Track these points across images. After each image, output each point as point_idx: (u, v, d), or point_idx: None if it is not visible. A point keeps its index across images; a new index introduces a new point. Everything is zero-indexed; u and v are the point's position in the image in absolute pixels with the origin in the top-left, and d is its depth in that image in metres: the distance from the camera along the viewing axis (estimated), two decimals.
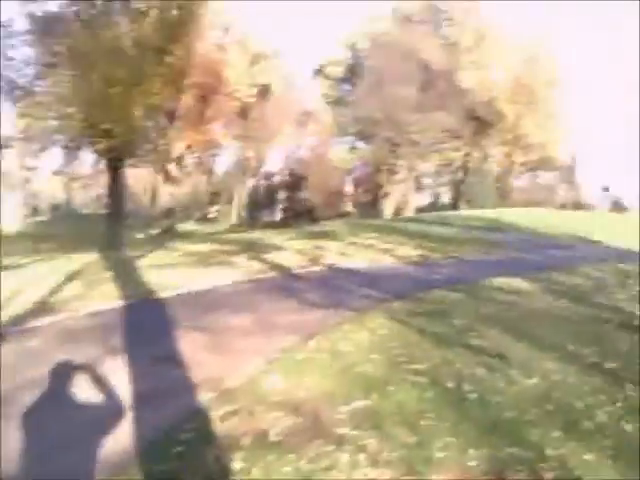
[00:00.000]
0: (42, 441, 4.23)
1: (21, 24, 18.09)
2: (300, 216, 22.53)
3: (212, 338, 6.93)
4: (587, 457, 4.37)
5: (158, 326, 7.58)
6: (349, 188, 60.91)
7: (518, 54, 48.20)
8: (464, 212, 39.55)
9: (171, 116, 35.21)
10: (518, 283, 11.58)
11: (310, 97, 52.89)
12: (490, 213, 35.56)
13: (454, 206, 51.21)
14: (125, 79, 15.57)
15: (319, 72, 56.56)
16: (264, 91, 44.18)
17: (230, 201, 50.80)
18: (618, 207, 75.11)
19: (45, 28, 17.21)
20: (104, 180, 22.12)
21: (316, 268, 12.40)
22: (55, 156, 45.96)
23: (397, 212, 52.91)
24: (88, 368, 5.39)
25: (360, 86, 47.62)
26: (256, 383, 5.47)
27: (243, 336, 7.07)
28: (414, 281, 11.24)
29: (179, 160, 46.14)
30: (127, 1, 16.64)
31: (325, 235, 17.78)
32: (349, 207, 57.20)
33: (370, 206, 56.95)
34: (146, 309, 8.65)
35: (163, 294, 9.40)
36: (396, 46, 45.04)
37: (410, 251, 15.88)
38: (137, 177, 41.17)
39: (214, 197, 54.00)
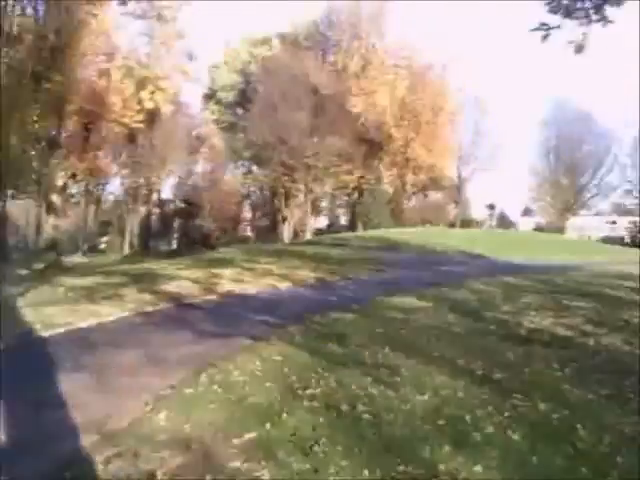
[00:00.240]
0: None
1: None
2: (196, 244, 22.05)
3: (96, 377, 6.58)
4: (476, 469, 4.50)
5: (39, 367, 7.13)
6: (246, 213, 60.73)
7: (404, 80, 50.20)
8: (360, 233, 40.46)
9: (53, 144, 33.69)
10: (410, 300, 11.91)
11: (201, 122, 52.44)
12: (384, 233, 36.55)
13: (351, 227, 52.24)
14: None
15: (210, 97, 56.18)
16: (152, 117, 43.30)
17: (121, 231, 49.17)
18: (504, 223, 79.51)
19: None
20: None
21: (211, 297, 12.16)
22: None
23: (296, 235, 53.25)
24: None
25: (253, 111, 47.74)
26: (142, 422, 5.25)
27: (130, 374, 6.76)
28: (311, 304, 11.28)
29: (63, 190, 44.24)
30: None
31: (221, 262, 17.54)
32: (247, 232, 57.00)
33: (269, 231, 56.99)
34: (26, 350, 8.12)
35: (45, 333, 8.87)
36: (286, 71, 45.71)
37: (308, 274, 15.98)
38: (20, 209, 38.99)
39: (104, 227, 52.13)
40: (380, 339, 8.24)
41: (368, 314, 10.27)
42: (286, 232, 53.40)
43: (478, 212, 78.31)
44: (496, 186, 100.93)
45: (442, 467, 4.48)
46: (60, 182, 41.96)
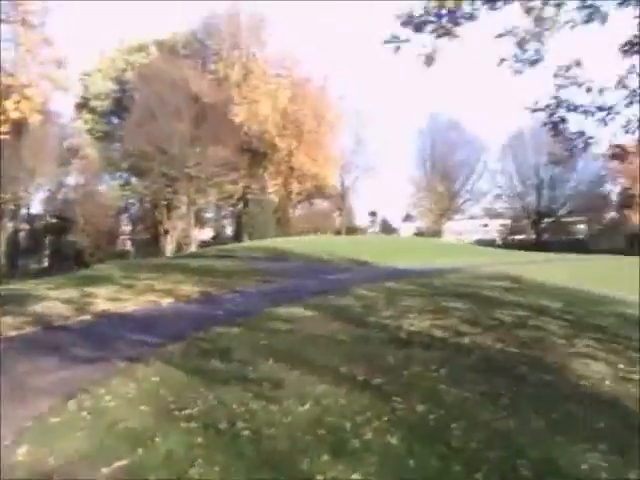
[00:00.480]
0: None
1: None
2: (69, 261, 20.79)
3: None
4: (354, 477, 4.52)
5: None
6: (125, 227, 58.55)
7: (286, 90, 50.60)
8: (246, 243, 40.19)
9: None
10: (296, 310, 11.90)
11: (74, 132, 49.92)
12: (271, 242, 36.56)
13: (237, 238, 51.80)
14: None
15: (83, 106, 53.59)
16: (19, 127, 40.53)
17: None
18: (387, 229, 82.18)
19: None
20: None
21: (84, 317, 11.47)
22: None
23: (179, 249, 52.02)
24: None
25: (129, 120, 46.14)
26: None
27: None
28: (194, 320, 10.94)
29: None
30: None
31: (96, 280, 16.65)
32: (127, 246, 54.97)
33: (150, 244, 55.26)
34: None
35: None
36: (164, 79, 44.64)
37: (192, 288, 15.56)
38: None
39: None
40: (264, 352, 8.14)
41: (253, 327, 10.13)
42: (169, 245, 52.03)
43: (362, 219, 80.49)
44: (379, 194, 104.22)
45: (320, 477, 4.47)
46: None
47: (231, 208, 58.95)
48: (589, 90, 6.88)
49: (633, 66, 6.88)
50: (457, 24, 5.95)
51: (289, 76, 52.35)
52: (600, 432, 5.68)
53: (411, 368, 7.58)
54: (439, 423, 5.73)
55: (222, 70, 49.92)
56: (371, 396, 6.40)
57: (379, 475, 4.58)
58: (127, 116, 47.55)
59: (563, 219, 73.63)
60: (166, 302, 13.51)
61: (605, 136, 7.31)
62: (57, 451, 4.92)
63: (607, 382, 7.43)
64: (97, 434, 5.31)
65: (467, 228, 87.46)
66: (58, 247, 33.21)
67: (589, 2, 6.28)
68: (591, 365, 8.19)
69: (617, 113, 6.93)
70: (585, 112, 6.92)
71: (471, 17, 5.97)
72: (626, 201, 65.26)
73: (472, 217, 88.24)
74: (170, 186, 47.44)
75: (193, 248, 48.00)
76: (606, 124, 6.97)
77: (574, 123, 7.42)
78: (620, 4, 6.31)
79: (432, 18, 5.88)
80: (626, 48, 6.82)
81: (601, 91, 6.88)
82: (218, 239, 63.00)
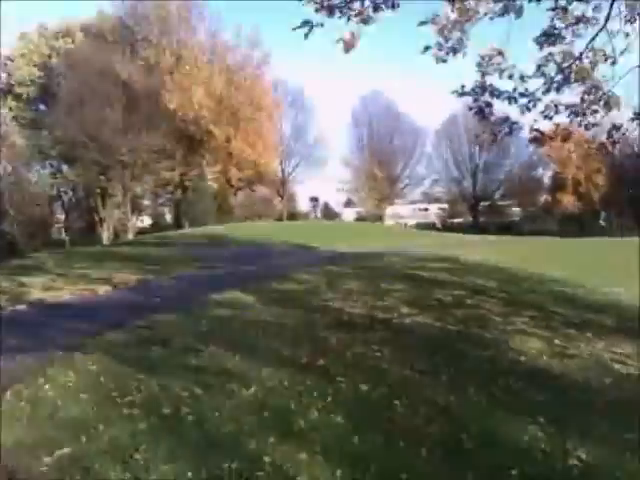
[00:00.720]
0: None
1: None
2: (1, 251, 20.02)
3: None
4: (300, 456, 4.54)
5: None
6: (60, 215, 56.68)
7: (220, 76, 49.79)
8: (186, 231, 39.63)
9: None
10: (237, 296, 11.82)
11: None
12: (211, 229, 36.16)
13: (177, 225, 50.96)
14: None
15: (8, 92, 51.21)
16: None
17: None
18: (329, 214, 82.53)
19: None
20: None
21: (19, 307, 11.10)
22: None
23: (117, 237, 50.78)
24: None
25: (57, 107, 44.43)
26: None
27: None
28: (132, 308, 10.72)
29: None
30: None
31: (30, 269, 16.07)
32: (62, 235, 53.27)
33: (86, 233, 53.71)
34: None
35: None
36: (92, 65, 43.18)
37: (129, 276, 15.23)
38: None
39: None
40: (205, 338, 8.06)
41: (193, 313, 10.00)
42: (105, 233, 50.65)
43: (304, 205, 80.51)
44: (321, 179, 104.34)
45: (267, 459, 4.48)
46: None
47: (169, 195, 57.80)
48: (511, 77, 7.04)
49: (550, 54, 7.08)
50: (378, 10, 5.95)
51: (223, 62, 51.48)
52: (538, 405, 5.88)
53: (354, 349, 7.66)
54: (382, 401, 5.82)
55: (153, 56, 48.56)
56: (315, 377, 6.44)
57: (325, 454, 4.61)
58: (54, 103, 45.69)
59: (498, 202, 75.86)
60: (103, 290, 13.20)
61: (530, 121, 7.51)
62: None
63: (544, 357, 7.70)
64: (37, 424, 5.18)
65: (408, 212, 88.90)
66: None
67: None
68: (528, 341, 8.46)
69: (538, 100, 7.12)
70: (509, 98, 7.08)
71: (393, 5, 5.99)
72: (557, 185, 67.53)
73: (412, 202, 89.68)
74: (103, 174, 46.15)
75: (130, 236, 46.95)
76: (529, 110, 7.15)
77: (501, 108, 7.61)
78: None
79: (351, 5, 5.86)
80: (542, 39, 7.02)
81: (522, 78, 7.04)
82: (157, 227, 61.80)
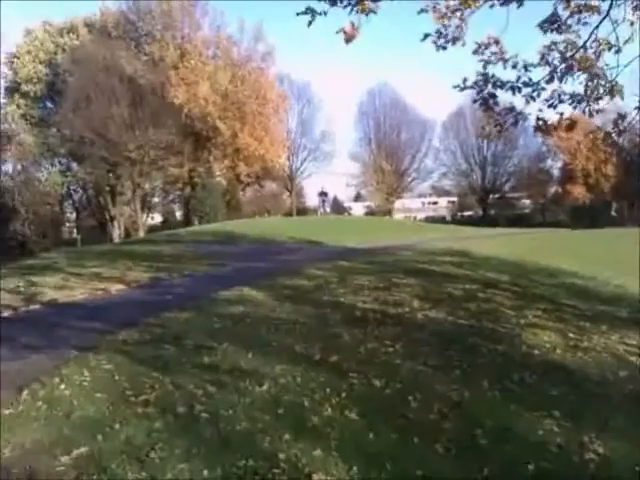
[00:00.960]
0: None
1: None
2: (12, 251, 20.07)
3: None
4: (315, 453, 4.55)
5: None
6: (70, 214, 56.92)
7: (225, 71, 49.68)
8: (195, 228, 39.70)
9: None
10: (248, 292, 11.81)
11: (7, 118, 47.76)
12: (221, 226, 36.19)
13: (186, 222, 51.02)
14: None
15: (15, 90, 51.33)
16: None
17: None
18: (338, 209, 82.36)
19: None
20: None
21: (32, 307, 11.15)
22: None
23: (127, 235, 50.97)
24: None
25: (64, 104, 44.55)
26: None
27: None
28: (144, 306, 10.73)
29: None
30: None
31: (42, 269, 16.12)
32: (73, 234, 53.48)
33: (97, 231, 53.97)
34: None
35: None
36: (97, 61, 43.25)
37: (141, 274, 15.28)
38: None
39: None
40: (218, 336, 8.07)
41: (205, 311, 10.01)
42: (116, 232, 50.86)
43: (313, 200, 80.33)
44: (329, 174, 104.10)
45: (282, 456, 4.49)
46: None
47: (179, 192, 57.82)
48: (514, 66, 6.99)
49: (554, 43, 7.02)
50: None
51: (228, 57, 51.30)
52: (553, 399, 5.86)
53: (366, 344, 7.65)
54: (396, 397, 5.82)
55: (157, 51, 48.42)
56: (328, 374, 6.44)
57: (340, 450, 4.61)
58: (61, 100, 45.82)
59: (508, 195, 75.49)
60: (115, 289, 13.24)
61: (536, 111, 7.45)
62: (13, 443, 4.80)
63: (558, 350, 7.67)
64: (54, 423, 5.20)
65: (417, 206, 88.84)
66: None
67: None
68: (541, 335, 8.43)
69: (542, 89, 7.07)
70: (512, 88, 7.03)
71: None
72: (567, 176, 67.08)
73: (421, 195, 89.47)
74: (112, 171, 46.26)
75: (141, 234, 47.03)
76: (533, 100, 7.10)
77: (507, 98, 7.56)
78: None
79: None
80: (545, 25, 6.96)
81: (526, 67, 6.99)
82: (167, 224, 62.00)
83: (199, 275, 15.78)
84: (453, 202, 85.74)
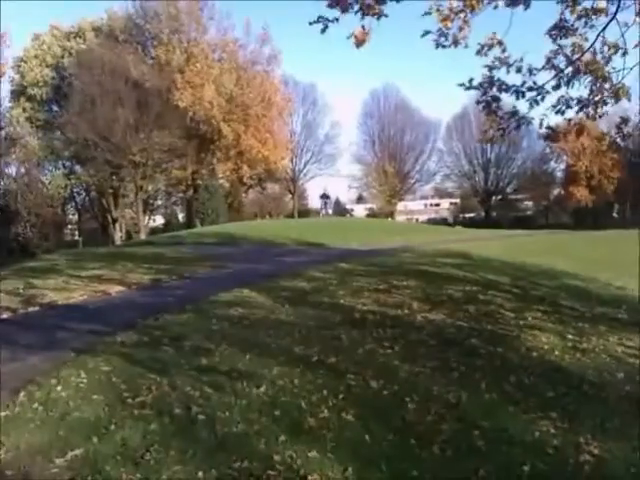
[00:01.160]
0: None
1: None
2: (14, 253, 20.10)
3: None
4: (311, 455, 4.56)
5: None
6: (72, 216, 57.04)
7: (231, 74, 49.75)
8: (197, 230, 39.71)
9: None
10: (248, 294, 11.79)
11: (11, 121, 47.96)
12: (223, 228, 36.18)
13: (188, 225, 51.06)
14: None
15: (21, 93, 51.51)
16: None
17: None
18: (340, 211, 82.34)
19: None
20: None
21: (32, 309, 11.14)
22: None
23: (129, 237, 51.06)
24: None
25: (69, 107, 44.63)
26: None
27: None
28: (144, 308, 10.69)
29: None
30: None
31: (44, 270, 16.13)
32: (75, 236, 53.61)
33: (99, 233, 54.06)
34: None
35: None
36: (103, 65, 43.34)
37: (142, 276, 15.25)
38: None
39: None
40: (217, 337, 8.06)
41: (205, 312, 9.99)
42: (118, 234, 50.94)
43: (315, 202, 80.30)
44: (332, 176, 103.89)
45: (277, 457, 4.51)
46: None
47: (181, 194, 57.82)
48: (519, 70, 6.97)
49: (560, 47, 7.00)
50: (381, 2, 5.92)
51: (233, 60, 51.36)
52: (550, 401, 5.86)
53: (364, 346, 7.65)
54: (393, 398, 5.81)
55: (163, 55, 48.48)
56: (326, 375, 6.45)
57: (336, 452, 4.62)
58: (67, 104, 45.90)
59: (511, 196, 75.42)
60: (115, 291, 13.22)
61: (540, 115, 7.41)
62: (9, 444, 4.81)
63: (556, 352, 7.67)
64: (50, 425, 5.21)
65: (419, 208, 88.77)
66: (1, 239, 31.54)
67: None
68: (540, 336, 8.42)
69: (547, 93, 7.04)
70: (516, 92, 7.00)
71: None
72: (570, 178, 66.89)
73: (423, 197, 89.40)
74: (116, 174, 46.34)
75: (143, 236, 47.02)
76: (537, 104, 7.07)
77: (511, 101, 7.52)
78: None
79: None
80: (554, 32, 6.94)
81: (530, 71, 6.97)
82: (169, 226, 62.06)
83: (200, 277, 15.76)
84: (455, 204, 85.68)
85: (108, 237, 50.69)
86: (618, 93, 6.82)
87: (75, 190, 54.59)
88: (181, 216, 65.98)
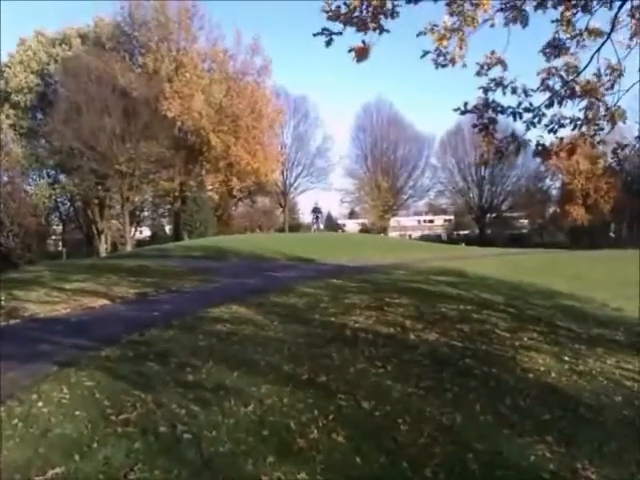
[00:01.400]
0: None
1: None
2: None
3: None
4: (300, 476, 4.44)
5: None
6: (57, 226, 56.51)
7: (221, 85, 49.72)
8: (185, 242, 39.46)
9: None
10: (237, 310, 11.59)
11: None
12: (211, 241, 35.98)
13: (176, 237, 50.73)
14: None
15: (5, 100, 51.04)
16: None
17: None
18: (332, 226, 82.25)
19: None
20: None
21: (13, 322, 10.84)
22: None
23: (115, 249, 50.66)
24: None
25: (55, 115, 44.26)
26: None
27: None
28: (129, 323, 10.44)
29: None
30: None
31: (25, 282, 15.76)
32: (59, 247, 53.15)
33: (84, 245, 53.61)
34: None
35: None
36: (89, 72, 43.22)
37: (127, 289, 14.98)
38: None
39: None
40: (204, 354, 7.85)
41: (191, 328, 9.75)
42: (103, 245, 50.46)
43: (306, 216, 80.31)
44: (323, 190, 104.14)
45: (265, 479, 4.38)
46: None
47: (169, 206, 57.49)
48: (514, 91, 6.89)
49: (555, 68, 6.94)
50: (377, 19, 5.88)
51: (223, 70, 51.32)
52: (546, 424, 5.75)
53: (356, 365, 7.50)
54: (385, 419, 5.68)
55: (151, 63, 48.27)
56: (316, 394, 6.29)
57: (326, 474, 4.51)
58: (52, 111, 45.54)
59: (505, 214, 75.68)
60: (99, 304, 12.94)
61: (535, 136, 7.32)
62: None
63: (553, 374, 7.56)
64: (30, 442, 5.02)
65: (412, 224, 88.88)
66: None
67: (510, 3, 6.33)
68: (536, 358, 8.31)
69: (543, 115, 6.95)
70: (513, 114, 6.91)
71: (392, 14, 5.93)
72: (566, 196, 67.10)
73: (417, 213, 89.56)
74: (101, 184, 46.02)
75: (129, 248, 46.59)
76: (534, 126, 6.98)
77: (507, 121, 7.43)
78: (538, 5, 6.35)
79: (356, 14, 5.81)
80: (548, 50, 6.89)
81: (526, 92, 6.89)
82: (156, 238, 61.71)
83: (187, 291, 15.53)
84: (449, 220, 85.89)
85: (93, 248, 50.21)
86: (614, 117, 6.74)
87: (59, 200, 54.14)
88: (168, 228, 65.64)
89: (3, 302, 12.48)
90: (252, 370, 7.07)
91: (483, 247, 47.67)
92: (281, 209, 71.94)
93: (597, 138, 7.03)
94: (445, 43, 6.34)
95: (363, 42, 5.83)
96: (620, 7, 6.34)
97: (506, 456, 4.98)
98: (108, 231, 51.96)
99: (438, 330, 9.84)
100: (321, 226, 71.05)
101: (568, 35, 6.76)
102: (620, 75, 6.70)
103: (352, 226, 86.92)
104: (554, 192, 75.11)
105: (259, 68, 52.73)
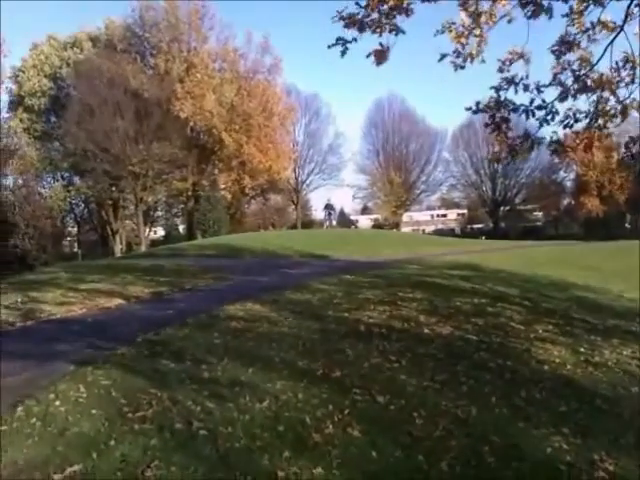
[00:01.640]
0: None
1: None
2: (11, 266, 19.78)
3: None
4: (316, 471, 4.44)
5: None
6: (72, 228, 56.91)
7: (232, 84, 49.82)
8: (198, 241, 39.62)
9: None
10: (251, 307, 11.62)
11: (9, 132, 47.92)
12: (225, 239, 36.09)
13: (190, 236, 50.94)
14: None
15: (18, 104, 51.57)
16: None
17: None
18: (345, 222, 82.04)
19: None
20: None
21: (29, 323, 10.93)
22: None
23: (129, 249, 50.95)
24: None
25: (68, 118, 44.66)
26: None
27: None
28: (144, 322, 10.49)
29: None
30: None
31: (42, 284, 15.88)
32: (74, 249, 53.51)
33: (98, 245, 53.99)
34: None
35: None
36: (101, 75, 43.53)
37: (142, 289, 15.05)
38: None
39: None
40: (219, 351, 7.89)
41: (206, 326, 9.79)
42: (118, 246, 50.83)
43: (319, 213, 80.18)
44: (336, 186, 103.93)
45: (282, 474, 4.39)
46: None
47: (182, 206, 57.75)
48: (526, 88, 6.83)
49: (567, 62, 6.86)
50: (392, 18, 5.85)
51: (234, 70, 51.41)
52: (562, 416, 5.72)
53: (371, 360, 7.50)
54: (400, 413, 5.67)
55: (163, 64, 48.50)
56: (331, 390, 6.29)
57: (341, 468, 4.50)
58: (65, 114, 45.94)
59: (519, 207, 75.06)
60: (115, 304, 13.03)
61: (549, 131, 7.23)
62: (6, 461, 4.67)
63: (568, 366, 7.52)
64: (48, 440, 5.06)
65: (425, 219, 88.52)
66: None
67: None
68: (551, 350, 8.27)
69: (556, 112, 6.87)
70: (526, 112, 6.84)
71: (407, 12, 5.89)
72: (580, 188, 66.49)
73: (430, 208, 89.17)
74: (115, 185, 46.33)
75: (143, 248, 46.86)
76: (547, 123, 6.91)
77: (519, 118, 7.34)
78: None
79: (373, 16, 5.79)
80: (555, 48, 6.81)
81: (538, 89, 6.82)
82: (170, 238, 62.00)
83: (201, 289, 15.60)
84: (463, 214, 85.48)
85: (108, 249, 50.59)
86: (626, 108, 6.65)
87: (74, 202, 54.56)
88: (182, 228, 65.87)
89: (20, 304, 12.61)
90: (267, 366, 7.09)
91: (500, 240, 47.39)
92: (294, 206, 71.97)
93: (607, 131, 6.97)
94: (463, 41, 6.30)
95: (381, 45, 5.81)
96: None
97: (522, 448, 4.95)
98: (123, 231, 52.32)
99: (452, 324, 9.81)
100: (334, 222, 70.89)
101: (578, 30, 6.68)
102: (634, 67, 6.61)
103: (365, 222, 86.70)
104: (568, 184, 74.48)
105: (270, 66, 52.86)
